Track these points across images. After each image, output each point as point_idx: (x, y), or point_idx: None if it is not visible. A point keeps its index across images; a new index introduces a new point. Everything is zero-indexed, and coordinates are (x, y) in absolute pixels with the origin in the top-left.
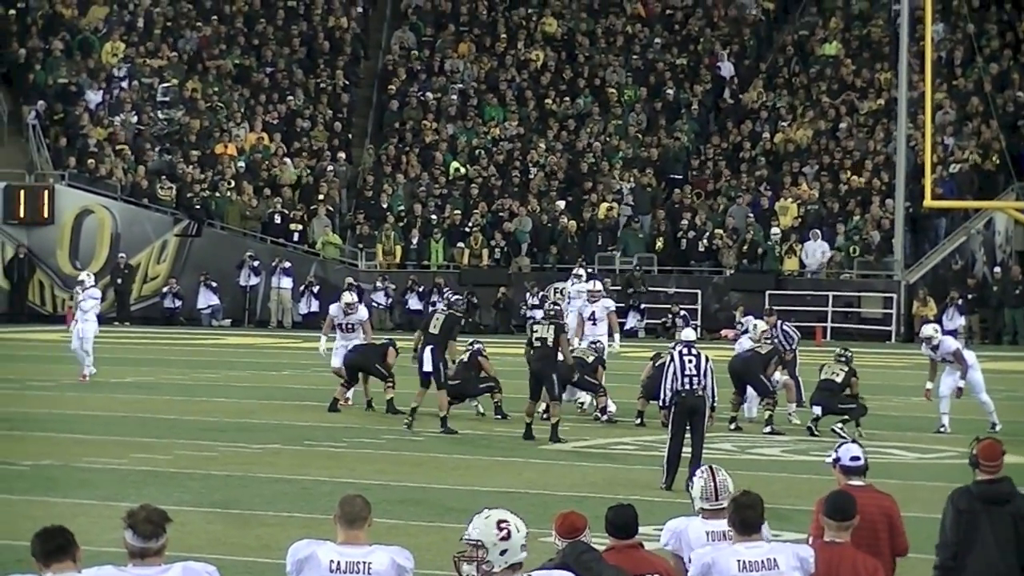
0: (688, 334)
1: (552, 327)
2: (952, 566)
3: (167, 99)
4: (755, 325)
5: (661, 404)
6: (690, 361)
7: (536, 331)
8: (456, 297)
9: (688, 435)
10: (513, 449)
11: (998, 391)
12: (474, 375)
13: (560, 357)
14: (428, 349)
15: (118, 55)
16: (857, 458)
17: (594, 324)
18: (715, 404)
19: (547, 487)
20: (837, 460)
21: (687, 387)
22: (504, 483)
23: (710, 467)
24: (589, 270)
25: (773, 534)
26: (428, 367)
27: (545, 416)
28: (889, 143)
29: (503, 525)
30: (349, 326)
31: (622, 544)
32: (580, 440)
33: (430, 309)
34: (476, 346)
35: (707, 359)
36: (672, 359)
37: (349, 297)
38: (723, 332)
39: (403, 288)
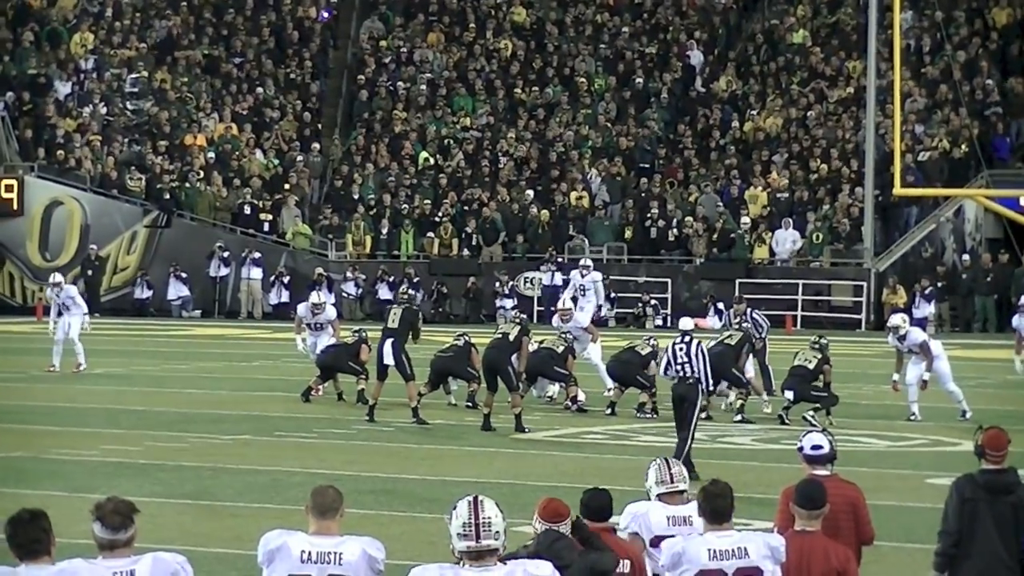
0: (685, 323)
1: (518, 327)
2: (954, 553)
3: (136, 90)
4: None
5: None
6: (681, 349)
7: (500, 325)
8: (412, 293)
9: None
10: (484, 440)
11: (969, 378)
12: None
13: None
14: (388, 343)
15: (87, 46)
16: (819, 447)
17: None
18: (712, 389)
19: (518, 477)
20: (801, 449)
21: (680, 374)
22: (475, 473)
23: (665, 458)
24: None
25: (744, 523)
26: (388, 360)
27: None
28: (858, 131)
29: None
30: (317, 325)
31: (596, 527)
32: (551, 430)
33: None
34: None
35: (699, 344)
36: (668, 348)
37: (316, 297)
38: (694, 320)
39: (373, 278)
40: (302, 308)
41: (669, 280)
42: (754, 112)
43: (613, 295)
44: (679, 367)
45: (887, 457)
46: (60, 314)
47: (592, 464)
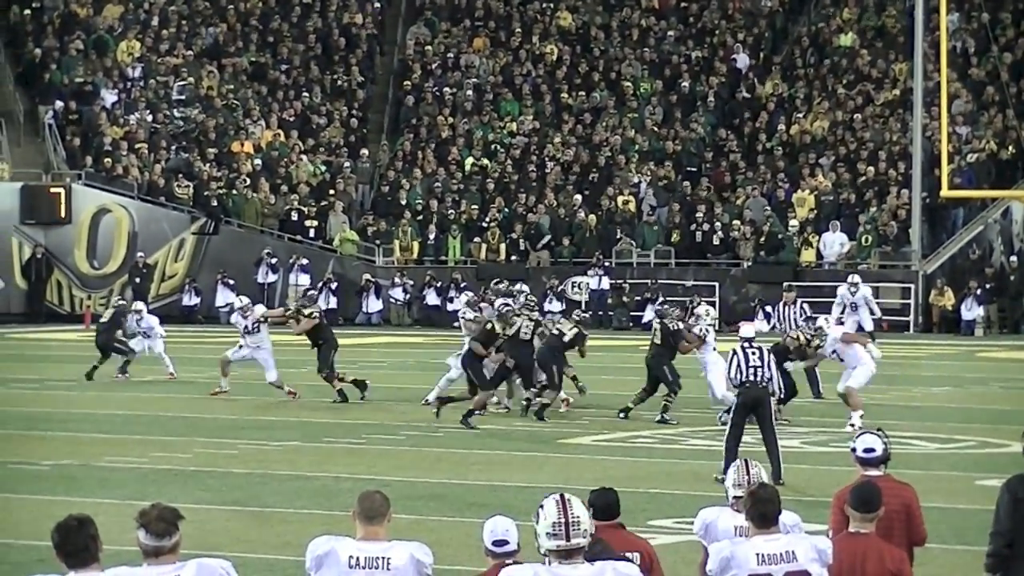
0: (747, 330)
1: (575, 329)
2: (1007, 554)
3: (183, 97)
4: (707, 311)
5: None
6: (753, 354)
7: (556, 324)
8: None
9: (756, 427)
10: (534, 445)
11: (1019, 380)
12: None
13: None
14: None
15: (133, 54)
16: (872, 449)
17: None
18: (783, 395)
19: (568, 481)
20: (854, 450)
21: (751, 378)
22: (525, 478)
23: (745, 460)
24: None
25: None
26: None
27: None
28: (905, 133)
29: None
30: (256, 327)
31: (603, 525)
32: (600, 434)
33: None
34: (120, 305)
35: (769, 352)
36: (735, 353)
37: (238, 301)
38: (741, 324)
39: (421, 284)
40: (234, 318)
41: (717, 284)
42: (800, 115)
43: (660, 298)
44: (751, 370)
45: (936, 459)
46: (134, 336)
47: (642, 468)
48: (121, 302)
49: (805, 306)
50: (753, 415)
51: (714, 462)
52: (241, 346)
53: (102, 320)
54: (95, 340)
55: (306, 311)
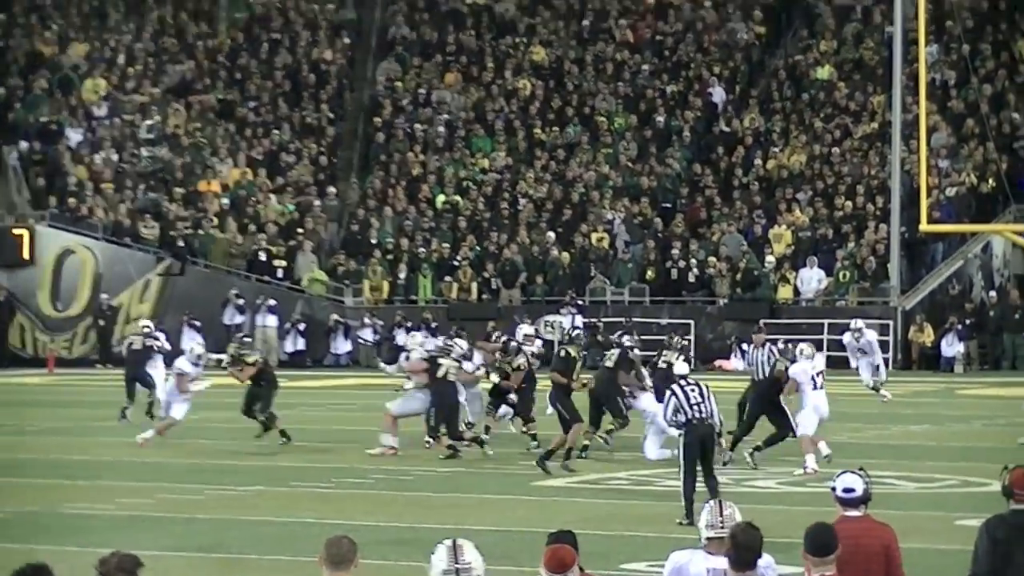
0: (681, 368)
1: (617, 354)
2: None
3: (152, 136)
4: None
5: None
6: (693, 391)
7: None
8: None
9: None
10: (505, 487)
11: (999, 417)
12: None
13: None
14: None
15: (99, 92)
16: (851, 489)
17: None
18: (721, 429)
19: (541, 525)
20: (833, 490)
21: (697, 415)
22: (497, 521)
23: (719, 500)
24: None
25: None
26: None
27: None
28: (884, 167)
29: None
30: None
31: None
32: (573, 476)
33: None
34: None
35: (707, 387)
36: (674, 392)
37: (199, 348)
38: (717, 362)
39: (391, 324)
40: (186, 365)
41: (692, 321)
42: (777, 149)
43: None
44: (694, 407)
45: (915, 499)
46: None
47: (618, 511)
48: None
49: (774, 349)
50: (700, 454)
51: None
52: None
53: (134, 348)
54: (125, 373)
55: (248, 359)
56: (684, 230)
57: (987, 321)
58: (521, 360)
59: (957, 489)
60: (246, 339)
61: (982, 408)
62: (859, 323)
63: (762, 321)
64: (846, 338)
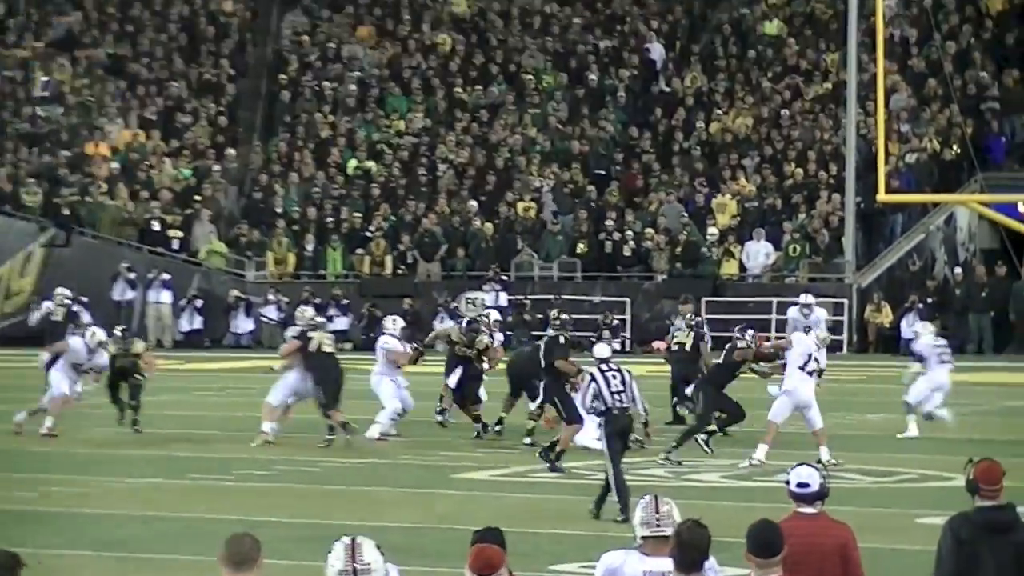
0: (602, 350)
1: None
2: None
3: (46, 93)
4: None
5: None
6: (614, 377)
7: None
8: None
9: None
10: (423, 479)
11: (962, 405)
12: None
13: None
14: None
15: None
16: (805, 484)
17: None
18: (647, 418)
19: (462, 521)
20: (787, 483)
21: (618, 405)
22: (414, 518)
23: (655, 495)
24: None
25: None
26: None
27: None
28: (838, 131)
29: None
30: (84, 367)
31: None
32: (496, 468)
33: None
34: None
35: (629, 373)
36: (594, 377)
37: (101, 334)
38: (655, 344)
39: (297, 301)
40: (76, 343)
41: (628, 299)
42: (721, 112)
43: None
44: (615, 396)
45: (872, 494)
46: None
47: (542, 505)
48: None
49: (702, 322)
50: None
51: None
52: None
53: (53, 320)
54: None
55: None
56: (619, 199)
57: (951, 300)
58: (484, 338)
59: (917, 484)
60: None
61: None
62: (808, 297)
63: (704, 299)
64: (792, 312)
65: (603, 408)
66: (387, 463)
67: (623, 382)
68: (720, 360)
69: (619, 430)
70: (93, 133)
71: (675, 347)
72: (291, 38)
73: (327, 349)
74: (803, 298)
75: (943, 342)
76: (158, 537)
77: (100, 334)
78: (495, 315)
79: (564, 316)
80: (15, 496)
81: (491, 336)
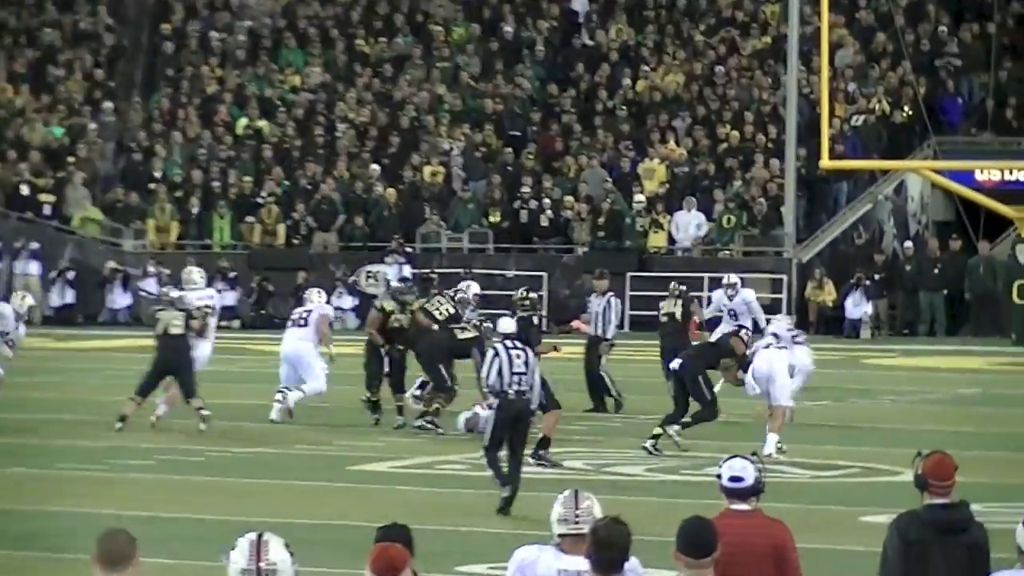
0: (506, 325)
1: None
2: None
3: None
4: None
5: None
6: (518, 356)
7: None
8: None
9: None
10: (318, 471)
11: (911, 392)
12: None
13: None
14: None
15: None
16: (739, 478)
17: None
18: (544, 404)
19: (361, 517)
20: (719, 478)
21: (515, 389)
22: (308, 513)
23: (575, 490)
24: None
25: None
26: None
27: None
28: (777, 90)
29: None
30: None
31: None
32: (399, 459)
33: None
34: None
35: (535, 357)
36: (497, 353)
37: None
38: (575, 323)
39: (179, 273)
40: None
41: (545, 274)
42: (649, 68)
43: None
44: (515, 377)
45: (812, 490)
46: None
47: (448, 500)
48: None
49: (614, 301)
50: (512, 431)
51: (541, 493)
52: None
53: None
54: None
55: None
56: (536, 164)
57: (900, 277)
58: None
59: (861, 479)
60: None
61: (892, 381)
62: (733, 277)
63: (629, 274)
64: (716, 295)
65: (499, 388)
66: (277, 452)
67: (526, 364)
68: (713, 340)
69: (513, 416)
70: None
71: (664, 318)
72: None
73: (175, 331)
74: (728, 278)
75: (798, 331)
76: (22, 535)
77: (29, 299)
78: (475, 287)
79: (532, 295)
80: None
81: (474, 310)
